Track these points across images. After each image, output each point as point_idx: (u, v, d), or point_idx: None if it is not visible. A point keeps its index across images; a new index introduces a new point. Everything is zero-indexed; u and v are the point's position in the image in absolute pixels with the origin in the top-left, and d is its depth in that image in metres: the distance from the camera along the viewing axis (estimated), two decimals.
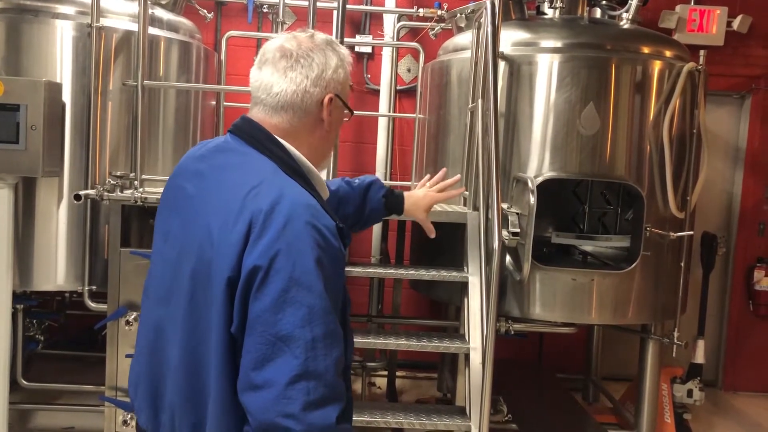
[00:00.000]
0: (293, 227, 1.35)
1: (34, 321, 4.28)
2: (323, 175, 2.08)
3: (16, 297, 3.78)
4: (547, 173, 3.69)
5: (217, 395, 1.38)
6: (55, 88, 3.52)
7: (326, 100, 1.54)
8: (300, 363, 1.30)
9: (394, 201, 2.20)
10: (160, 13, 4.05)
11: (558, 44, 3.81)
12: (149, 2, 3.76)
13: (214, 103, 4.60)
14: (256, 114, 1.56)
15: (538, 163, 3.72)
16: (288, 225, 1.34)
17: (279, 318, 1.31)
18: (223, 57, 4.83)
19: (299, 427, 1.28)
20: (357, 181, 2.17)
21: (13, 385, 3.93)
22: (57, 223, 3.70)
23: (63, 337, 4.87)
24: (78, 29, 3.66)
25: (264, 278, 1.32)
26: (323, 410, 1.31)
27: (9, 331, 3.55)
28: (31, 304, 4.15)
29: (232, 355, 1.37)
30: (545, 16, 4.20)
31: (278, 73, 1.51)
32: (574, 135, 3.69)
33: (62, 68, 3.66)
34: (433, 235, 2.29)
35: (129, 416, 3.44)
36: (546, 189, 3.67)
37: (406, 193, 2.28)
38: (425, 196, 2.31)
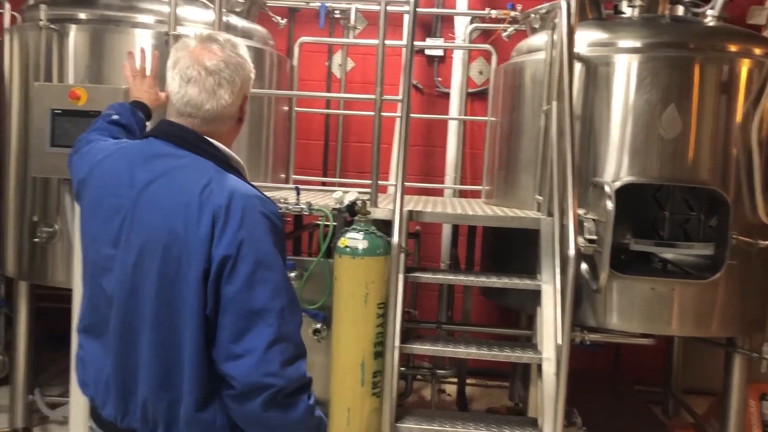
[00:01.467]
0: (250, 218, 1.57)
1: None
2: None
3: None
4: (626, 178, 3.56)
5: (194, 371, 1.56)
6: None
7: (245, 102, 1.76)
8: (274, 330, 1.53)
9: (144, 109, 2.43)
10: (234, 20, 4.13)
11: (637, 44, 3.67)
12: (224, 10, 3.83)
13: (286, 108, 4.65)
14: (184, 122, 1.70)
15: (616, 167, 3.59)
16: (245, 216, 1.56)
17: (251, 295, 1.53)
18: (295, 62, 4.89)
19: (280, 382, 1.52)
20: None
21: None
22: None
23: None
24: (156, 37, 3.75)
25: (234, 265, 1.53)
26: (295, 365, 1.56)
27: None
28: None
29: (205, 335, 1.55)
30: (623, 15, 4.06)
31: (206, 92, 1.67)
32: (654, 138, 3.54)
33: None
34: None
35: None
36: (624, 194, 3.54)
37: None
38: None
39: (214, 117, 1.69)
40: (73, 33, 3.75)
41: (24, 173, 3.89)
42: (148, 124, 2.39)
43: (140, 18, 3.82)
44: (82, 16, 3.82)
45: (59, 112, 3.45)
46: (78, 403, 3.62)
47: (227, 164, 1.69)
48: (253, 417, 1.56)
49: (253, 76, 1.78)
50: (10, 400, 4.20)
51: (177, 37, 3.70)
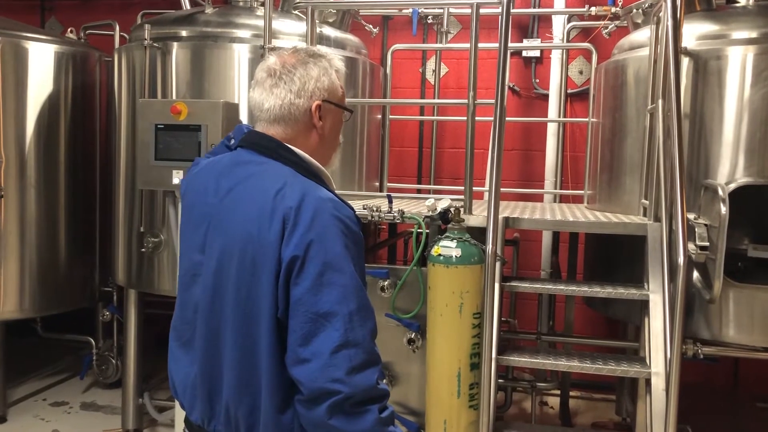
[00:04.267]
0: (321, 219, 1.54)
1: None
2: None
3: None
4: (742, 179, 3.31)
5: (270, 375, 1.56)
6: (232, 108, 3.72)
7: (314, 107, 1.71)
8: (341, 335, 1.50)
9: None
10: (327, 31, 4.17)
11: (753, 35, 3.41)
12: (317, 21, 3.88)
13: (379, 116, 4.66)
14: (258, 128, 1.75)
15: (730, 168, 3.35)
16: (316, 218, 1.54)
17: (318, 298, 1.51)
18: (388, 70, 4.88)
19: (346, 389, 1.48)
20: None
21: None
22: None
23: None
24: (253, 51, 3.85)
25: (301, 266, 1.52)
26: (364, 373, 1.51)
27: None
28: None
29: (279, 338, 1.55)
30: (737, 5, 3.80)
31: (265, 91, 1.71)
32: None
33: (240, 89, 3.87)
34: None
35: None
36: (740, 196, 3.29)
37: None
38: None
39: (275, 117, 1.71)
40: (175, 50, 3.90)
41: (132, 186, 4.09)
42: None
43: (237, 33, 3.93)
44: (184, 33, 3.98)
45: (162, 126, 3.59)
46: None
47: (307, 171, 1.69)
48: (319, 424, 1.52)
49: (327, 82, 1.72)
50: (122, 403, 4.40)
51: (273, 50, 3.77)
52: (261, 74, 1.73)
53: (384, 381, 1.59)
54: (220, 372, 1.65)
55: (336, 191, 1.73)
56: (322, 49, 1.79)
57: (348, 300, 1.53)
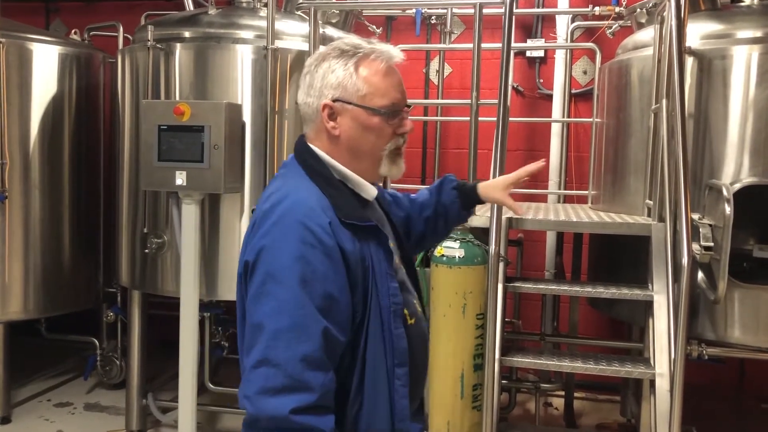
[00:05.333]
0: (281, 225, 1.44)
1: (220, 328, 4.57)
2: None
3: (203, 305, 4.05)
4: (746, 179, 3.29)
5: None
6: (235, 109, 3.72)
7: (321, 107, 1.57)
8: (262, 350, 1.38)
9: (466, 190, 2.06)
10: (330, 31, 4.16)
11: (758, 34, 3.39)
12: (320, 22, 3.88)
13: None
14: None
15: (735, 168, 3.33)
16: (278, 223, 1.44)
17: (256, 308, 1.42)
18: None
19: (251, 409, 1.37)
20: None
21: (202, 388, 4.20)
22: (240, 236, 3.90)
23: None
24: (256, 52, 3.84)
25: (251, 271, 1.45)
26: (278, 398, 1.35)
27: (197, 337, 3.80)
28: (218, 312, 4.43)
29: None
30: (741, 4, 3.78)
31: (300, 88, 1.65)
32: None
33: (243, 90, 3.87)
34: (520, 212, 2.13)
35: None
36: (745, 196, 3.27)
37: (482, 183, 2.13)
38: (500, 177, 2.20)
39: (303, 116, 1.64)
40: (179, 51, 3.90)
41: (135, 187, 4.09)
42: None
43: (240, 34, 3.93)
44: (187, 34, 3.98)
45: (165, 127, 3.60)
46: (187, 408, 3.75)
47: (320, 174, 1.57)
48: None
49: (334, 79, 1.57)
50: (125, 404, 4.41)
51: (275, 51, 3.77)
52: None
53: (318, 414, 1.38)
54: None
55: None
56: (359, 43, 1.60)
57: (280, 315, 1.39)
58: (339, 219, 1.49)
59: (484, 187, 2.07)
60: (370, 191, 1.65)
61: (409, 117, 1.69)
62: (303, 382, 1.37)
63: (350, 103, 1.57)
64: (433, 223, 2.05)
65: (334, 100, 1.57)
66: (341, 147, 1.60)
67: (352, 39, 1.62)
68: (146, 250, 3.97)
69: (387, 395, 1.51)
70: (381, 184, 1.87)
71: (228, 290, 3.95)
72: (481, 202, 2.09)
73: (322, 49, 1.64)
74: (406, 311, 1.59)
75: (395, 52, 1.62)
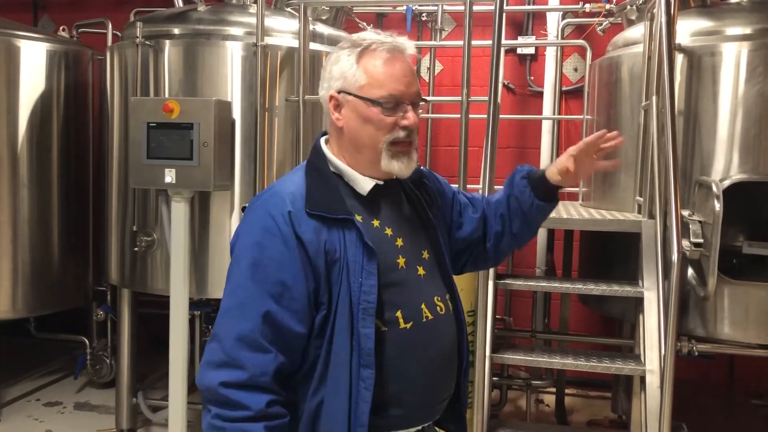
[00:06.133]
0: (251, 212, 1.56)
1: (210, 326, 4.54)
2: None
3: (193, 303, 4.03)
4: (736, 176, 3.30)
5: None
6: (224, 107, 3.70)
7: (328, 98, 1.61)
8: (215, 326, 1.52)
9: (535, 175, 1.89)
10: (320, 28, 4.15)
11: (747, 30, 3.40)
12: (310, 18, 3.86)
13: None
14: None
15: (725, 165, 3.34)
16: (253, 211, 1.55)
17: (225, 287, 1.55)
18: None
19: (196, 378, 1.51)
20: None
21: (192, 386, 4.17)
22: (229, 234, 3.88)
23: None
24: (246, 49, 3.82)
25: (231, 254, 1.57)
26: (213, 372, 1.45)
27: (187, 335, 3.78)
28: (208, 311, 4.41)
29: None
30: (731, 1, 3.79)
31: None
32: None
33: (232, 87, 3.84)
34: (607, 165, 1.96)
35: None
36: (735, 193, 3.28)
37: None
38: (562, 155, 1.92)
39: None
40: (168, 48, 3.87)
41: (124, 185, 4.06)
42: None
43: (230, 30, 3.91)
44: (176, 31, 3.95)
45: (154, 125, 3.57)
46: (177, 407, 3.74)
47: (315, 168, 1.62)
48: None
49: (337, 70, 1.59)
50: (115, 403, 4.38)
51: (264, 48, 3.76)
52: None
53: (248, 391, 1.44)
54: None
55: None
56: (372, 36, 1.60)
57: (232, 294, 1.51)
58: (305, 209, 1.52)
59: (552, 170, 1.88)
60: (364, 185, 1.61)
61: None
62: (235, 360, 1.44)
63: (350, 94, 1.57)
64: (509, 221, 1.90)
65: (338, 92, 1.59)
66: (345, 138, 1.61)
67: (369, 33, 1.63)
68: (136, 249, 3.94)
69: (347, 396, 1.48)
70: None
71: (218, 288, 3.91)
72: (554, 186, 1.89)
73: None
74: (400, 313, 1.55)
75: (404, 43, 1.60)
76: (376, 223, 1.60)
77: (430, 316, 1.61)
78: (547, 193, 1.88)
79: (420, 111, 1.65)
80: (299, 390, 1.53)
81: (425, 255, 1.68)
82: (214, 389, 1.43)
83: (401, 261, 1.61)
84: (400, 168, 1.60)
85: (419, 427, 1.63)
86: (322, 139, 1.69)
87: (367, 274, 1.51)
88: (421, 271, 1.64)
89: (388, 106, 1.56)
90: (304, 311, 1.48)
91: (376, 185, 1.63)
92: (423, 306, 1.60)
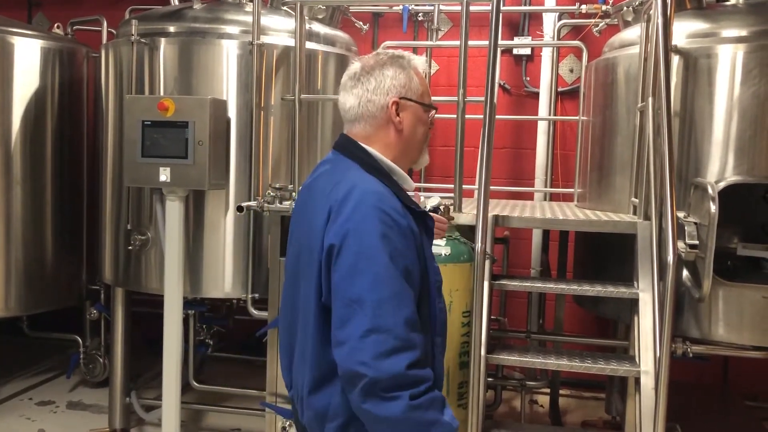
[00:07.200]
0: (361, 210, 1.64)
1: (204, 326, 4.52)
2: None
3: (188, 303, 4.01)
4: (731, 178, 3.30)
5: (313, 354, 1.71)
6: (219, 105, 3.69)
7: (390, 103, 1.80)
8: (369, 320, 1.56)
9: None
10: (317, 27, 4.14)
11: (743, 33, 3.40)
12: (306, 18, 3.85)
13: None
14: (344, 129, 1.90)
15: (720, 167, 3.34)
16: (357, 209, 1.64)
17: (351, 284, 1.60)
18: None
19: (371, 372, 1.53)
20: None
21: (186, 386, 4.17)
22: (224, 233, 3.87)
23: (231, 341, 5.12)
24: (241, 48, 3.81)
25: (338, 253, 1.62)
26: (392, 358, 1.54)
27: (180, 334, 3.76)
28: (202, 310, 4.39)
29: (324, 321, 1.68)
30: (727, 3, 3.79)
31: (348, 93, 1.85)
32: (763, 134, 3.26)
33: (228, 85, 3.83)
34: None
35: (288, 423, 3.51)
36: (730, 195, 3.28)
37: None
38: None
39: (355, 116, 1.83)
40: (163, 46, 3.86)
41: (119, 183, 4.05)
42: None
43: (226, 29, 3.90)
44: (171, 29, 3.94)
45: (149, 123, 3.56)
46: (171, 406, 3.72)
47: (372, 167, 1.78)
48: (357, 408, 1.60)
49: (404, 78, 1.82)
50: (108, 402, 4.37)
51: (260, 47, 3.74)
52: (345, 78, 1.87)
53: (422, 368, 1.60)
54: (293, 347, 1.86)
55: (410, 189, 1.86)
56: (402, 51, 1.89)
57: (378, 287, 1.58)
58: (403, 204, 1.72)
59: None
60: (411, 183, 1.88)
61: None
62: (410, 341, 1.58)
63: (411, 101, 1.83)
64: None
65: (401, 98, 1.81)
66: (402, 139, 1.84)
67: (394, 51, 1.89)
68: (130, 247, 3.93)
69: (431, 362, 1.73)
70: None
71: (213, 288, 3.92)
72: None
73: (372, 57, 1.87)
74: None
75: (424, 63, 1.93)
76: None
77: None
78: None
79: None
80: None
81: None
82: (403, 373, 1.54)
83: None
84: (426, 159, 1.96)
85: None
86: (362, 143, 1.85)
87: (433, 258, 1.80)
88: None
89: (433, 111, 1.90)
90: (417, 293, 1.69)
91: None
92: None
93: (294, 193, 3.66)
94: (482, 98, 3.40)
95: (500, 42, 4.09)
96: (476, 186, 4.76)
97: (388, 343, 1.55)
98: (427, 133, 1.91)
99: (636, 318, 3.23)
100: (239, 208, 3.66)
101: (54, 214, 4.64)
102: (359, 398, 1.56)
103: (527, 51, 5.27)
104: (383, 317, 1.57)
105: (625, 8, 4.14)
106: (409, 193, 1.87)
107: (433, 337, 1.77)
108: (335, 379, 1.67)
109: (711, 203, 3.02)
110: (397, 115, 1.81)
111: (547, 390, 4.75)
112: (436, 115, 1.96)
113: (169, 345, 3.70)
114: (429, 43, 5.24)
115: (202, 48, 3.83)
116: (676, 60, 3.40)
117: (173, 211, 3.65)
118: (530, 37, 5.24)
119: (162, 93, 3.84)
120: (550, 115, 5.08)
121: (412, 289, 1.65)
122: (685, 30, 3.49)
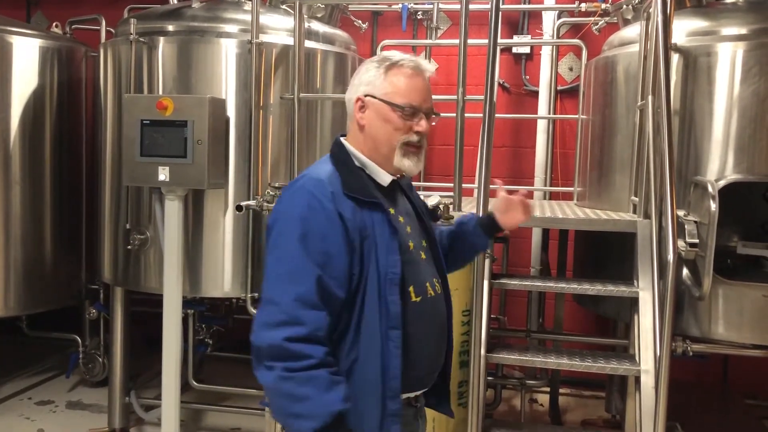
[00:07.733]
0: (294, 194, 1.75)
1: (203, 325, 4.51)
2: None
3: (187, 302, 4.00)
4: (731, 176, 3.30)
5: None
6: (218, 104, 3.68)
7: (354, 100, 1.86)
8: (266, 291, 1.70)
9: (485, 218, 2.27)
10: (316, 26, 4.13)
11: (743, 31, 3.40)
12: (305, 16, 3.84)
13: None
14: None
15: (720, 165, 3.34)
16: (292, 194, 1.75)
17: (268, 259, 1.75)
18: None
19: (254, 340, 1.66)
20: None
21: (186, 386, 4.16)
22: (223, 233, 3.87)
23: (231, 340, 5.11)
24: (240, 46, 3.80)
25: (268, 232, 1.76)
26: (273, 330, 1.63)
27: (180, 334, 3.76)
28: (201, 309, 4.39)
29: None
30: (726, 1, 3.78)
31: None
32: (763, 133, 3.26)
33: (227, 84, 3.82)
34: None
35: None
36: (730, 193, 3.28)
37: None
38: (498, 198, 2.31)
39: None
40: (162, 45, 3.85)
41: (118, 182, 4.04)
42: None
43: (225, 28, 3.89)
44: (170, 28, 3.93)
45: (147, 122, 3.55)
46: (170, 406, 3.71)
47: (339, 160, 1.84)
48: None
49: (371, 74, 1.83)
50: (108, 401, 4.36)
51: (259, 45, 3.74)
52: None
53: (309, 344, 1.63)
54: None
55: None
56: (399, 54, 1.87)
57: (279, 263, 1.70)
58: (343, 191, 1.75)
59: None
60: (385, 177, 1.87)
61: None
62: (296, 317, 1.63)
63: (375, 98, 1.83)
64: (455, 241, 2.23)
65: (365, 95, 1.84)
66: (366, 136, 1.85)
67: (396, 52, 1.89)
68: (129, 247, 3.92)
69: (380, 353, 1.73)
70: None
71: (212, 287, 3.91)
72: (497, 224, 2.24)
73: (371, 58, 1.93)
74: (412, 288, 1.81)
75: (425, 65, 1.88)
76: (392, 210, 1.85)
77: (432, 294, 1.88)
78: (489, 225, 2.24)
79: (432, 123, 1.92)
80: (337, 351, 1.73)
81: (424, 243, 1.96)
82: (278, 344, 1.61)
83: (411, 244, 1.87)
84: (409, 165, 1.86)
85: (419, 392, 1.91)
86: (342, 138, 1.91)
87: (392, 251, 1.77)
88: (423, 255, 1.91)
89: (407, 113, 1.82)
90: (343, 279, 1.70)
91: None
92: (427, 284, 1.87)
93: None
94: (482, 97, 3.39)
95: (499, 40, 4.09)
96: (476, 185, 4.77)
97: (273, 316, 1.64)
98: (404, 135, 1.82)
99: (636, 317, 3.23)
100: (238, 208, 3.65)
101: (53, 214, 4.63)
102: (253, 363, 1.67)
103: (527, 49, 5.27)
104: (275, 291, 1.67)
105: (624, 6, 4.13)
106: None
107: (386, 330, 1.74)
108: None
109: (711, 202, 3.02)
110: (360, 111, 1.85)
111: (547, 389, 4.74)
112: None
113: (169, 344, 3.69)
114: (428, 41, 5.24)
115: (201, 47, 3.82)
116: (675, 58, 3.39)
117: (172, 211, 3.64)
118: (530, 36, 5.24)
119: (161, 92, 3.83)
120: (549, 113, 5.08)
121: (332, 272, 1.68)
122: (684, 28, 3.48)
